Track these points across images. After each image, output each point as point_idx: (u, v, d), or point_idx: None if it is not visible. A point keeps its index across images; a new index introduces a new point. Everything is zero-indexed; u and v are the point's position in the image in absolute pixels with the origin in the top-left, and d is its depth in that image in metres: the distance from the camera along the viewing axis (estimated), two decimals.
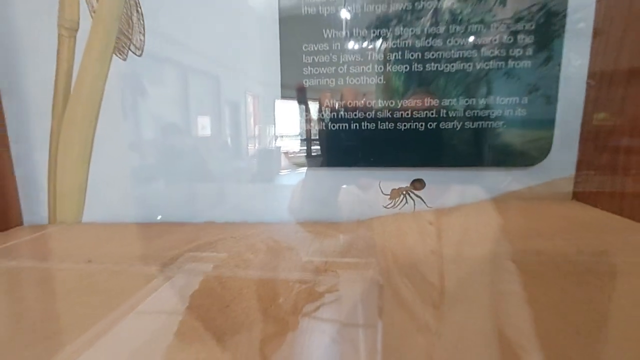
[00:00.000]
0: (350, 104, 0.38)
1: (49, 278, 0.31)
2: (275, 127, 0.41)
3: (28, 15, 0.40)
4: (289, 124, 0.40)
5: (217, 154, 0.42)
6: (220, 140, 0.42)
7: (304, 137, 0.40)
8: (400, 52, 0.37)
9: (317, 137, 0.40)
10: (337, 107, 0.38)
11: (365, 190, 0.41)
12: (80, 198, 0.43)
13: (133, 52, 0.39)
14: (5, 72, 0.40)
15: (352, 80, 0.38)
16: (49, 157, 0.42)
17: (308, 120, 0.39)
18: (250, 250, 0.34)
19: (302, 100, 0.39)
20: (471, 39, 0.36)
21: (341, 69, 0.38)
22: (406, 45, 0.37)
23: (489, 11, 0.35)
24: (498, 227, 0.35)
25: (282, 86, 0.39)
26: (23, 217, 0.44)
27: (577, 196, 0.38)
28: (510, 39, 0.35)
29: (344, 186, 0.41)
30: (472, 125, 0.37)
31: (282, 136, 0.41)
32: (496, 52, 0.36)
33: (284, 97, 0.39)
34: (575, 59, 0.36)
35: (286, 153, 0.41)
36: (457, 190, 0.40)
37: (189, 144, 0.42)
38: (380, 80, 0.38)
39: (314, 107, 0.39)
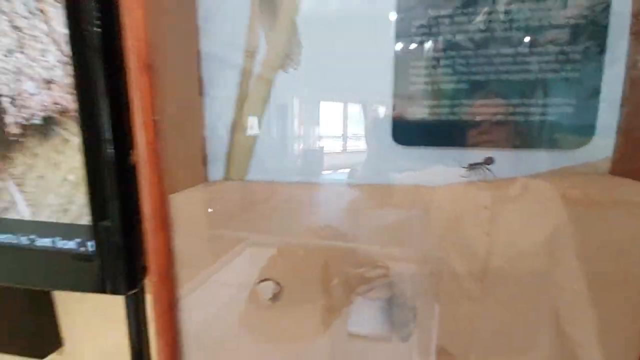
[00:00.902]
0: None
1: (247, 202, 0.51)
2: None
3: (223, 45, 0.62)
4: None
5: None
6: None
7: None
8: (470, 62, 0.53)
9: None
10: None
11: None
12: (246, 163, 0.64)
13: (293, 68, 0.59)
14: (210, 80, 0.63)
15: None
16: (230, 134, 0.64)
17: None
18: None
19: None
20: (527, 48, 0.50)
21: (432, 73, 0.54)
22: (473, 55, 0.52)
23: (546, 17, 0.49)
24: (554, 203, 0.48)
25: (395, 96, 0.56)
26: (208, 175, 0.66)
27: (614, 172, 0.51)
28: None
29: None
30: (530, 118, 0.52)
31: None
32: (547, 59, 0.50)
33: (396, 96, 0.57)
34: (614, 62, 0.48)
35: None
36: (517, 165, 0.54)
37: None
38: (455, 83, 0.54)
39: None
